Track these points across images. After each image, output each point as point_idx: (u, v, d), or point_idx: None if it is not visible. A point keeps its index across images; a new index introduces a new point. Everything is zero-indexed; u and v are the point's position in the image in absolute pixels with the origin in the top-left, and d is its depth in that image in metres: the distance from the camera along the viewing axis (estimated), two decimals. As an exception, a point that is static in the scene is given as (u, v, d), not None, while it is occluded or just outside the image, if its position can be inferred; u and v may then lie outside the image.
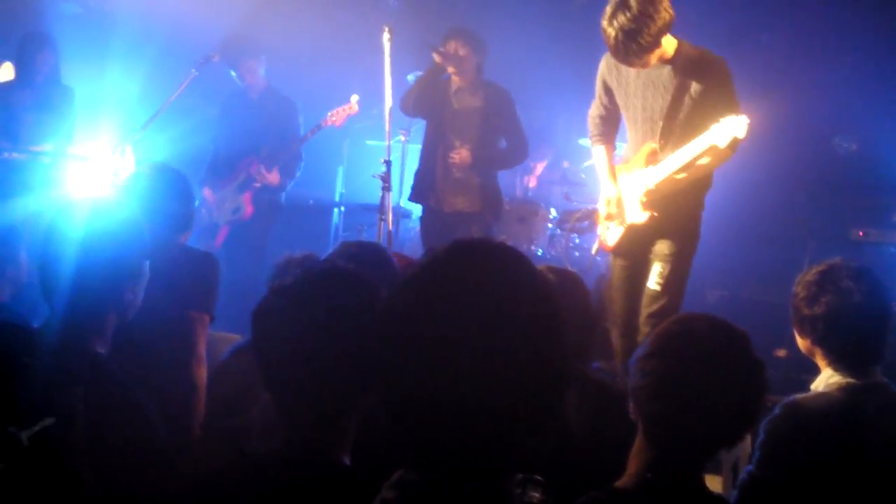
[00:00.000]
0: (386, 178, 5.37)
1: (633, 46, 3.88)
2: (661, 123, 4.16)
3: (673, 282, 4.30)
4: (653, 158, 4.23)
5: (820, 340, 2.86)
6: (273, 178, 6.55)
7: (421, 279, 1.38)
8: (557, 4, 8.98)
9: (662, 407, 1.99)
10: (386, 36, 5.45)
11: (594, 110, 4.56)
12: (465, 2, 8.45)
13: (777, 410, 2.78)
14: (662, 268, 4.29)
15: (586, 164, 7.80)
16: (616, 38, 3.87)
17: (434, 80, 5.97)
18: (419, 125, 7.03)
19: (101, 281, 2.35)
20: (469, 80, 5.98)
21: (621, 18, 3.83)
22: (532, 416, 1.36)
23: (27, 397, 2.05)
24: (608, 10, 3.91)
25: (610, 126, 4.56)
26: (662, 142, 4.19)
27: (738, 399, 1.98)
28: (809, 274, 2.92)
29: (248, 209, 6.54)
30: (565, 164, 8.56)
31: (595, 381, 2.98)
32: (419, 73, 6.36)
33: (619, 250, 4.50)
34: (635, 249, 4.41)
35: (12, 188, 6.00)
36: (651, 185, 4.23)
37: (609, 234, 4.52)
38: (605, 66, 4.34)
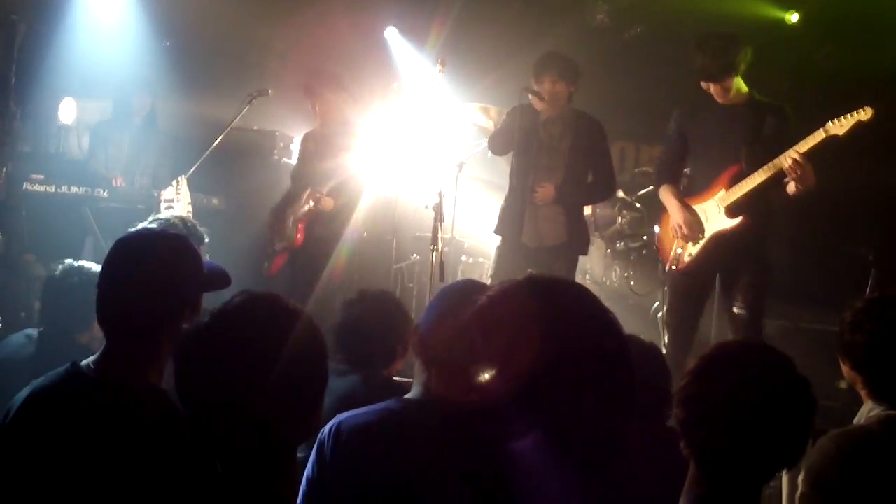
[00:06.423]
0: (437, 209, 5.36)
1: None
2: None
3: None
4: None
5: (859, 368, 2.83)
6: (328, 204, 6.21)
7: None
8: (610, 35, 8.99)
9: (708, 434, 1.92)
10: (438, 68, 5.55)
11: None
12: (516, 36, 8.47)
13: (814, 446, 2.68)
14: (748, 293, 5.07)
15: (642, 192, 7.71)
16: None
17: (526, 119, 5.75)
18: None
19: (156, 308, 2.34)
20: (559, 111, 5.78)
21: None
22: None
23: None
24: None
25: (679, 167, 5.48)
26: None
27: (785, 419, 1.90)
28: (860, 301, 2.89)
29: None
30: (620, 193, 8.46)
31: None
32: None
33: (690, 270, 5.20)
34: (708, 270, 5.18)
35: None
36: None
37: (683, 255, 5.23)
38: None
